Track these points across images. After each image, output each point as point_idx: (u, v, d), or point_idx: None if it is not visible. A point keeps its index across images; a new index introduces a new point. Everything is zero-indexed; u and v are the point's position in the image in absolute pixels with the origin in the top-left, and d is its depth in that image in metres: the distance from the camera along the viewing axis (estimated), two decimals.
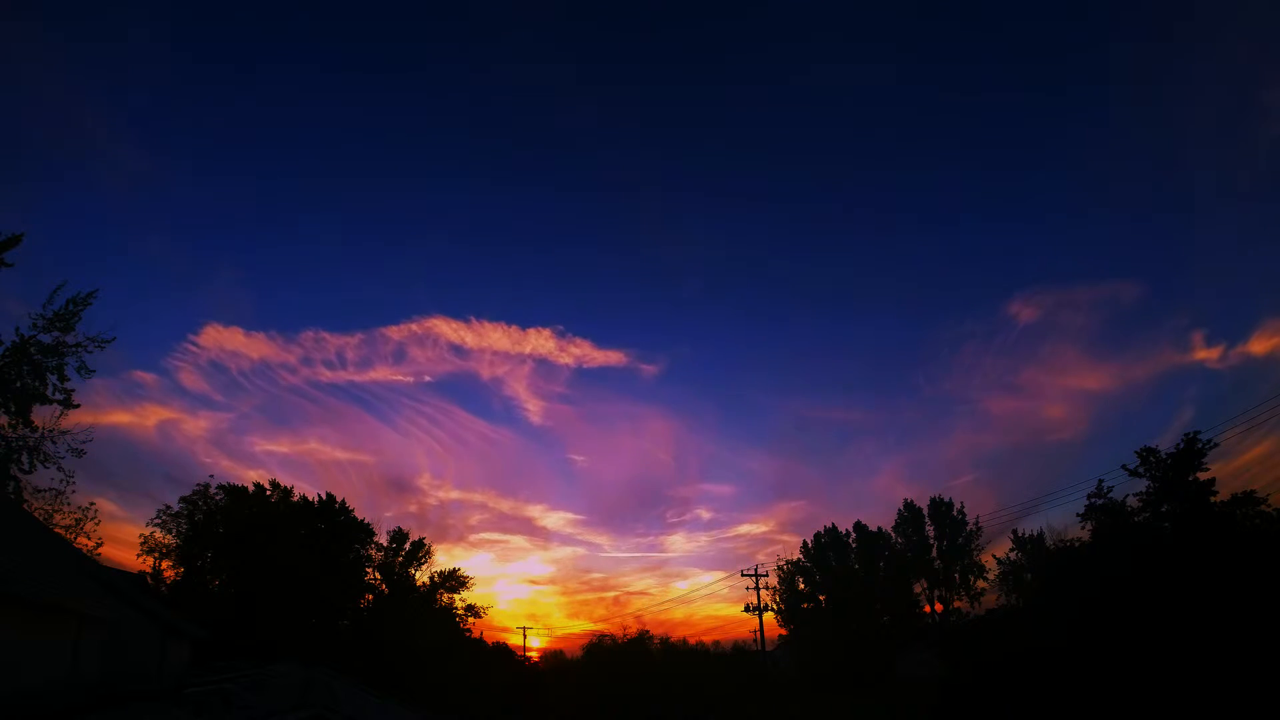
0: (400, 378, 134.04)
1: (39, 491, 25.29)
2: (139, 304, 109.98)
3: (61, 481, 25.15)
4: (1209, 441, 32.86)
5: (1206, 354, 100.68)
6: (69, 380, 23.91)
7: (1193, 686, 25.75)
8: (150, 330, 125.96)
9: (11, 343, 23.09)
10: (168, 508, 45.12)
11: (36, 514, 24.06)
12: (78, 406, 24.29)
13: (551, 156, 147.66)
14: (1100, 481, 36.19)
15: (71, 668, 13.44)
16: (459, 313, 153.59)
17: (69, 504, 26.40)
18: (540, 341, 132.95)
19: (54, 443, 24.12)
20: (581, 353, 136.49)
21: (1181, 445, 33.10)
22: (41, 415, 23.99)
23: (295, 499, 50.91)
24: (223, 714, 12.29)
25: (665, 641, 62.10)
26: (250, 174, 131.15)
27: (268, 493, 50.17)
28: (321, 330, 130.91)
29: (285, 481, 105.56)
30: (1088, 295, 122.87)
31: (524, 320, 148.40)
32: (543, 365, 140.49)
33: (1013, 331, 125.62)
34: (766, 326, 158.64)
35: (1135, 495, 34.56)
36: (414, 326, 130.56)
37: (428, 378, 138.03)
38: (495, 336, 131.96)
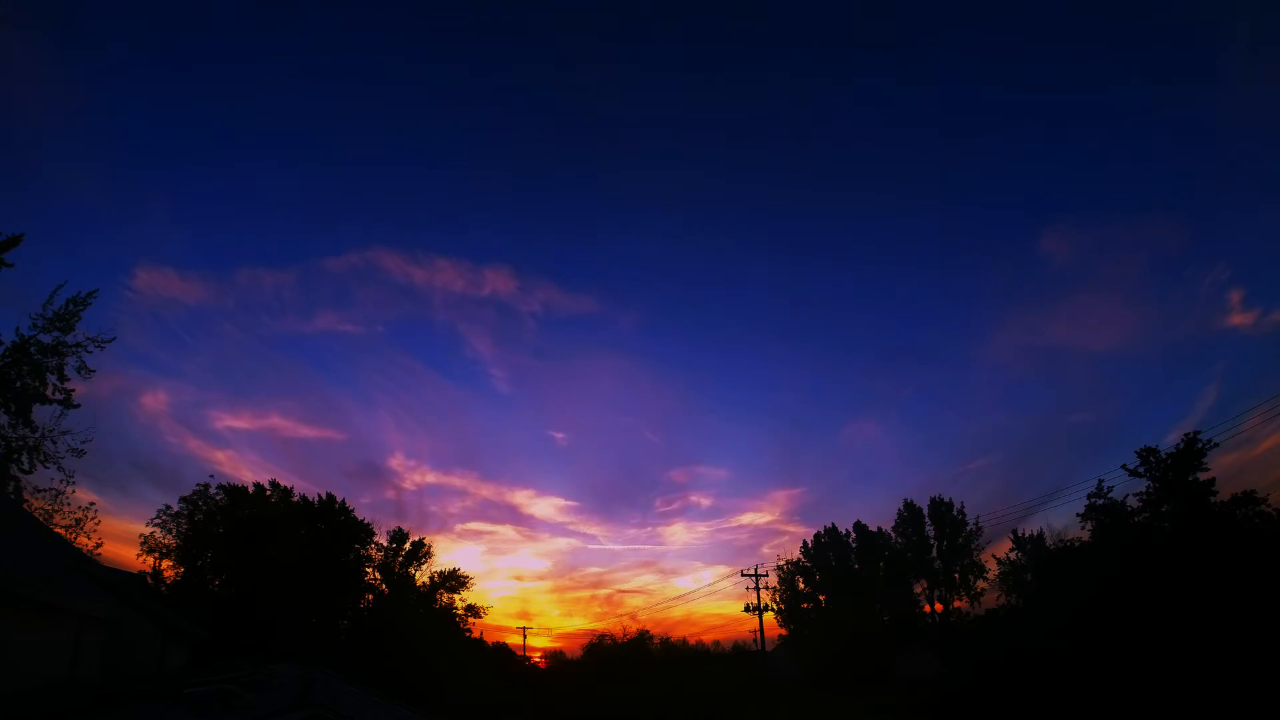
0: (350, 328, 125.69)
1: (39, 491, 25.38)
2: (64, 249, 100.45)
3: (62, 481, 25.22)
4: (1209, 442, 33.61)
5: (1242, 318, 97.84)
6: (69, 380, 23.91)
7: (1192, 686, 25.77)
8: (80, 278, 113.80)
9: (11, 343, 23.07)
10: (168, 507, 45.29)
11: (36, 514, 24.08)
12: (78, 407, 24.28)
13: (492, 52, 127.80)
14: (1100, 481, 36.78)
15: (71, 668, 13.44)
16: (403, 244, 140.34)
17: (69, 504, 26.52)
18: (499, 282, 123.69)
19: (54, 443, 24.11)
20: (546, 297, 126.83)
21: (1181, 446, 33.62)
22: (42, 415, 24.01)
23: (295, 499, 51.02)
24: (223, 714, 12.29)
25: (665, 641, 62.17)
26: (172, 100, 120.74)
27: (267, 493, 50.29)
28: (256, 267, 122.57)
29: (252, 461, 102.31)
30: (1128, 231, 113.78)
31: (477, 255, 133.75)
32: (504, 313, 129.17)
33: (1044, 278, 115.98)
34: (759, 269, 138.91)
35: (1135, 495, 34.85)
36: (354, 259, 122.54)
37: (380, 327, 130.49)
38: (448, 275, 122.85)
